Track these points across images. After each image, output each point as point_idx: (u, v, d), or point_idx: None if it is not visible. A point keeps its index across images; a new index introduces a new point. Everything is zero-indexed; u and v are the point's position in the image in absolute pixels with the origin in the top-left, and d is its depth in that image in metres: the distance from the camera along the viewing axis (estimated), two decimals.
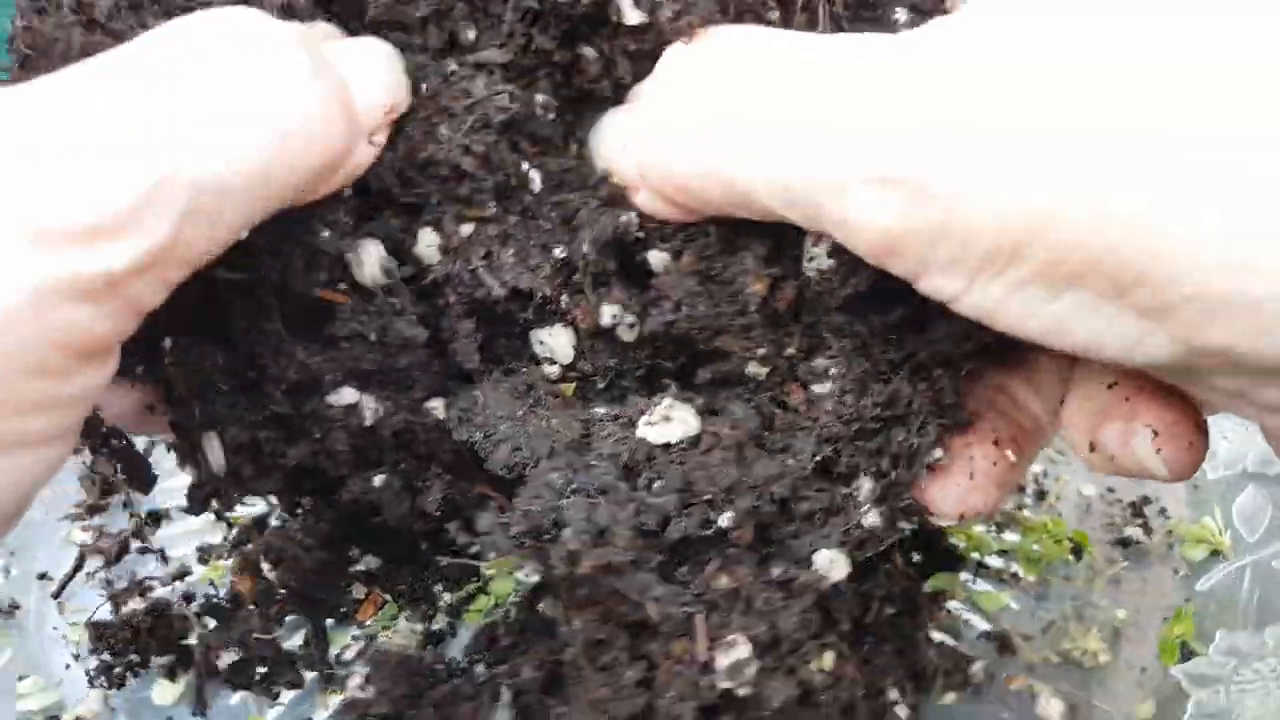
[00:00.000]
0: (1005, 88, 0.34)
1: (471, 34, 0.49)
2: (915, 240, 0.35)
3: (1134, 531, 0.75)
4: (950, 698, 0.60)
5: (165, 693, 0.64)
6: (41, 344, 0.32)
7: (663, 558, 0.45)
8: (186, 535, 0.77)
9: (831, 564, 0.45)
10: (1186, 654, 0.63)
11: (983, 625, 0.66)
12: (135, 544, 0.76)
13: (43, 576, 0.76)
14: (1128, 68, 0.32)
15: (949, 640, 0.59)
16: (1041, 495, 0.78)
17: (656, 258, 0.48)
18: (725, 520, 0.44)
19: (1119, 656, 0.64)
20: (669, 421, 0.45)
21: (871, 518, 0.45)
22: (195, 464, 0.55)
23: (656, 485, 0.45)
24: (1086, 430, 0.42)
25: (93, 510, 0.81)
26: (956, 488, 0.46)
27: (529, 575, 0.65)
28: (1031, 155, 0.32)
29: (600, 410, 0.51)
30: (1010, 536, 0.74)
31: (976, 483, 0.46)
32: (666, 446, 0.45)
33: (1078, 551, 0.71)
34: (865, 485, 0.46)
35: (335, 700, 0.61)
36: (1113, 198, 0.31)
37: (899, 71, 0.36)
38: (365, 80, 0.41)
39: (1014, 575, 0.70)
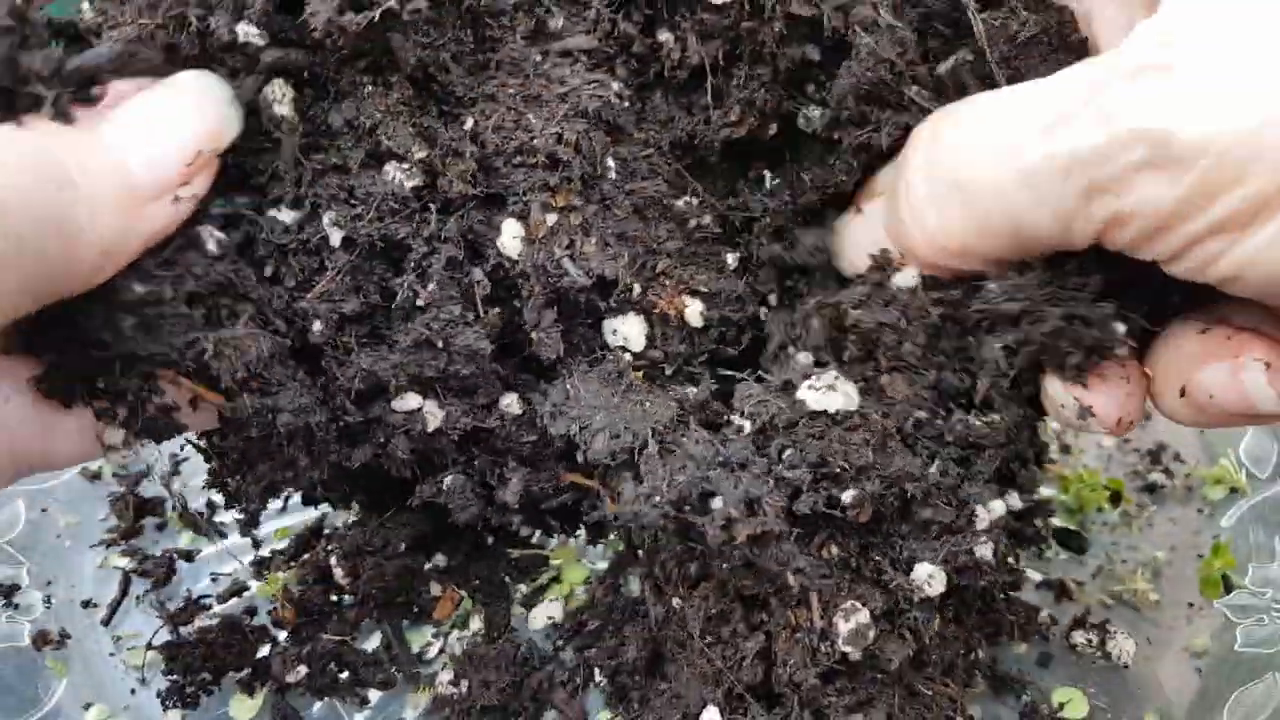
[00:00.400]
0: (1235, 45, 0.36)
1: (559, 21, 0.49)
2: (1187, 208, 0.37)
3: (1156, 477, 0.79)
4: (1022, 647, 0.63)
5: (244, 707, 0.64)
6: None
7: (800, 530, 0.46)
8: (236, 551, 0.76)
9: (930, 579, 0.47)
10: (1228, 586, 0.67)
11: (1036, 576, 0.69)
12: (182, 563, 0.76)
13: (87, 604, 0.75)
14: None
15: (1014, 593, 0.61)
16: (1066, 449, 0.82)
17: (908, 275, 0.49)
18: (847, 496, 0.45)
19: (1165, 594, 0.67)
20: (833, 391, 0.46)
21: (984, 550, 0.47)
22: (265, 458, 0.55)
23: (789, 455, 0.46)
24: (1178, 376, 0.44)
25: (127, 535, 0.80)
26: (1115, 394, 0.47)
27: (595, 562, 0.66)
28: None
29: (695, 390, 0.52)
30: (1044, 490, 0.77)
31: (1131, 390, 0.48)
32: (817, 415, 0.46)
33: (1115, 499, 0.74)
34: (996, 507, 0.48)
35: (422, 699, 0.61)
36: None
37: (1133, 67, 0.38)
38: (147, 147, 0.41)
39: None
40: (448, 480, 0.55)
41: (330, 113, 0.46)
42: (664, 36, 0.51)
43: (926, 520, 0.47)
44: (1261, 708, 0.59)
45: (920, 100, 0.49)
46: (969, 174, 0.43)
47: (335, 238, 0.47)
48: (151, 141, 0.41)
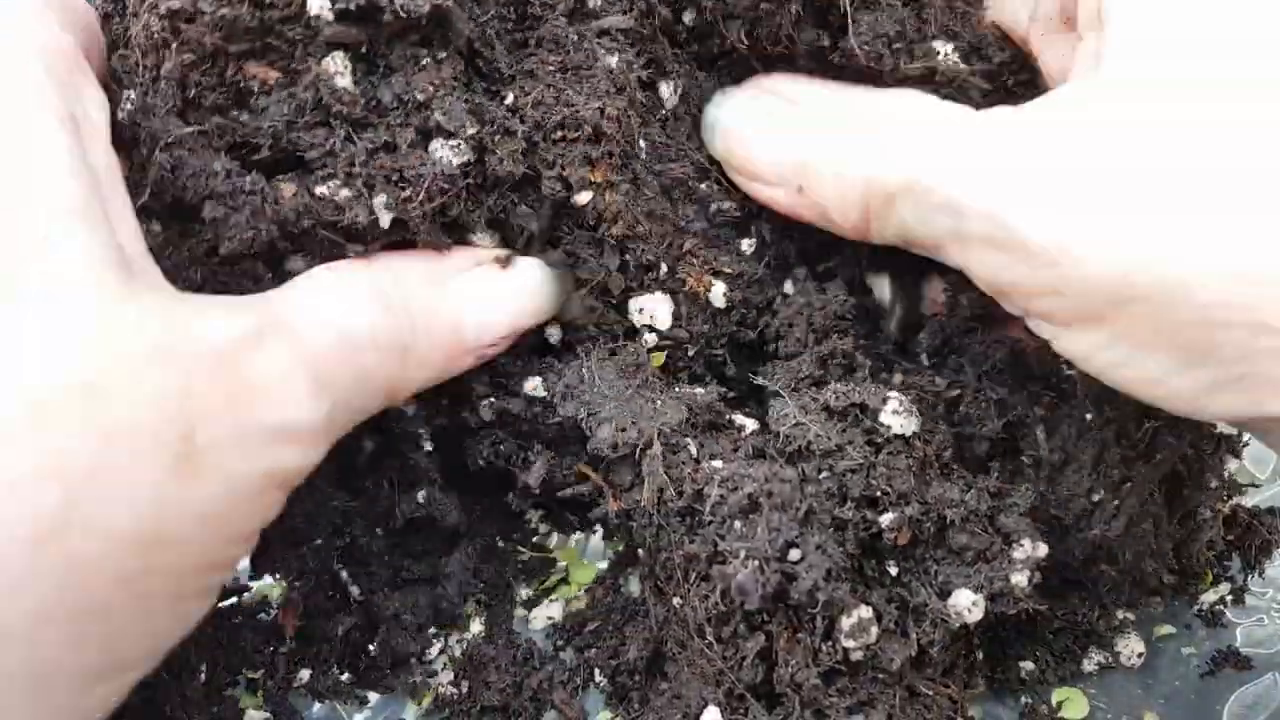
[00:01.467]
0: (1102, 147, 0.38)
1: (598, 1, 0.50)
2: (1017, 291, 0.41)
3: None
4: None
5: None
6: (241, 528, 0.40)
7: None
8: None
9: (972, 606, 0.47)
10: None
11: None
12: None
13: None
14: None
15: None
16: None
17: None
18: (886, 520, 0.46)
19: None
20: (912, 415, 0.47)
21: (1019, 577, 0.47)
22: None
23: (824, 476, 0.47)
24: None
25: None
26: None
27: (600, 563, 0.66)
28: (1131, 219, 0.36)
29: (702, 391, 0.52)
30: None
31: None
32: (898, 438, 0.48)
33: None
34: (1041, 547, 0.48)
35: (423, 700, 0.61)
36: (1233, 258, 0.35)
37: (1006, 130, 0.41)
38: (482, 314, 0.48)
39: None
40: (421, 494, 0.57)
41: (380, 88, 0.45)
42: (688, 17, 0.51)
43: (963, 546, 0.47)
44: (1262, 708, 0.59)
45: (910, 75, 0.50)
46: None
47: (385, 220, 0.46)
48: (487, 310, 0.48)
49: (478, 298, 0.48)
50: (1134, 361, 0.39)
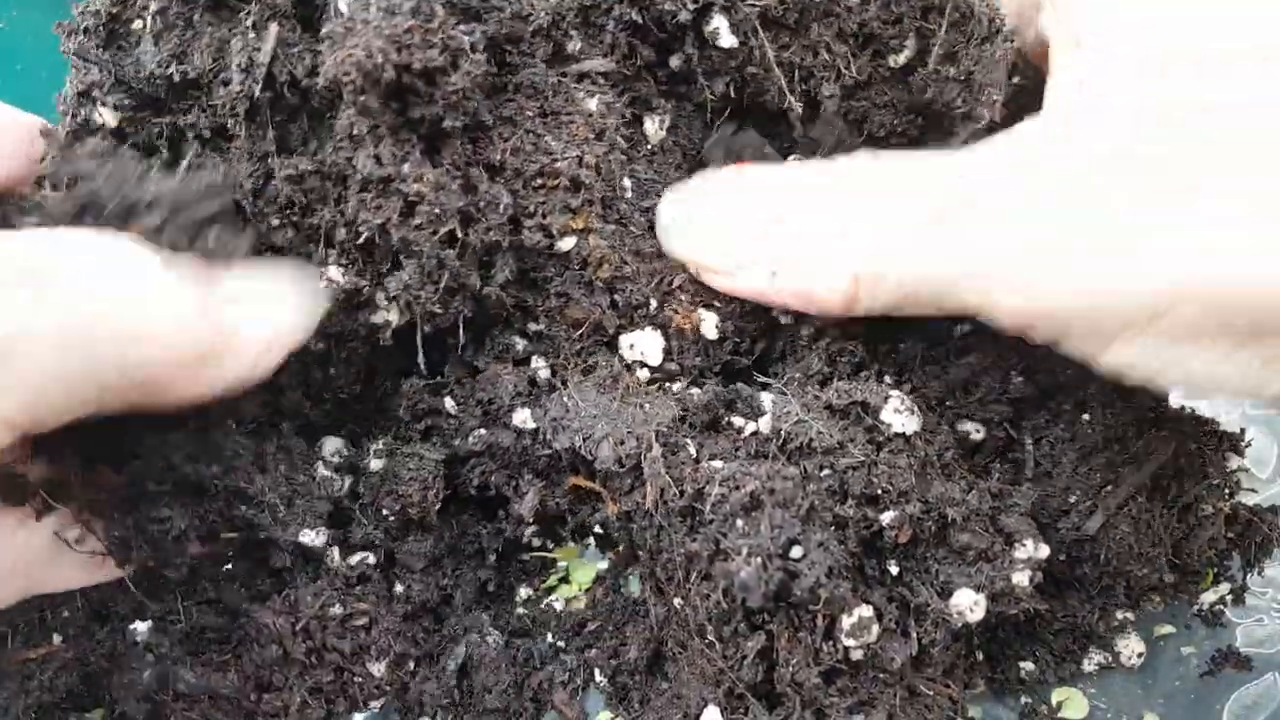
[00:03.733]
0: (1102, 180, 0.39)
1: (577, 44, 0.50)
2: (1057, 312, 0.41)
3: None
4: None
5: None
6: None
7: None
8: None
9: (974, 606, 0.47)
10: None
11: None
12: None
13: None
14: None
15: None
16: None
17: None
18: (887, 518, 0.46)
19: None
20: (913, 414, 0.47)
21: (1020, 577, 0.47)
22: None
23: (825, 474, 0.47)
24: None
25: None
26: None
27: (599, 563, 0.66)
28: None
29: (698, 393, 0.52)
30: None
31: None
32: (898, 436, 0.48)
33: None
34: (1044, 548, 0.48)
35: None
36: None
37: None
38: (256, 310, 0.46)
39: None
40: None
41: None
42: (675, 63, 0.51)
43: (964, 546, 0.47)
44: (1261, 708, 0.59)
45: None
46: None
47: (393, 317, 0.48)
48: (260, 309, 0.46)
49: (249, 291, 0.47)
50: (1193, 358, 0.39)
